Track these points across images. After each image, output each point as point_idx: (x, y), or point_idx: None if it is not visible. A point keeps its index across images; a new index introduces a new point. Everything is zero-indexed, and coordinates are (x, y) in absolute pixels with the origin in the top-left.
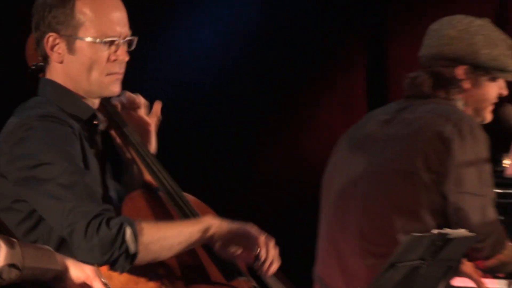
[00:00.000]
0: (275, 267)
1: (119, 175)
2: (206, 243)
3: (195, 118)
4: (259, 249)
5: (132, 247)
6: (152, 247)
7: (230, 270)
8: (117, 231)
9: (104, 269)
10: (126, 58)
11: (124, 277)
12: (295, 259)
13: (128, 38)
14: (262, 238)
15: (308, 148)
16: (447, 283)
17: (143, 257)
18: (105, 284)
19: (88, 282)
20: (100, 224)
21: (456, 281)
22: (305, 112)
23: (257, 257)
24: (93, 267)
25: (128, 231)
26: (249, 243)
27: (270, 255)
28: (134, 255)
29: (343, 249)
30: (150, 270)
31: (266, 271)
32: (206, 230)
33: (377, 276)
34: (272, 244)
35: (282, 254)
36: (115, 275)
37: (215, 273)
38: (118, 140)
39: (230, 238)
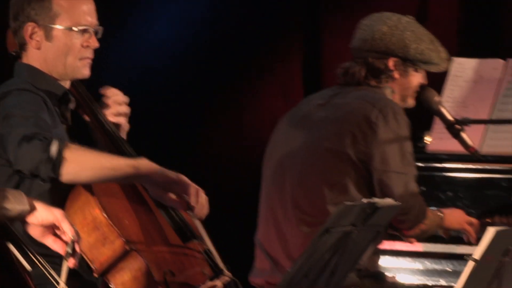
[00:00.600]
0: (204, 213)
1: None
2: (138, 182)
3: (148, 102)
4: (190, 196)
5: (53, 151)
6: (75, 164)
7: (186, 233)
8: (46, 144)
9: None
10: (97, 45)
11: (92, 237)
12: (239, 227)
13: (96, 28)
14: (193, 186)
15: (250, 129)
16: (375, 246)
17: (68, 171)
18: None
19: (57, 223)
20: (32, 138)
21: (388, 244)
22: (248, 97)
23: (188, 203)
24: (62, 210)
25: (55, 142)
26: (182, 190)
27: (200, 202)
28: (55, 163)
29: (280, 218)
30: (115, 232)
31: (201, 214)
32: (136, 167)
33: (314, 240)
34: (201, 193)
35: (228, 224)
36: (84, 237)
37: (173, 236)
38: (87, 118)
39: (165, 183)
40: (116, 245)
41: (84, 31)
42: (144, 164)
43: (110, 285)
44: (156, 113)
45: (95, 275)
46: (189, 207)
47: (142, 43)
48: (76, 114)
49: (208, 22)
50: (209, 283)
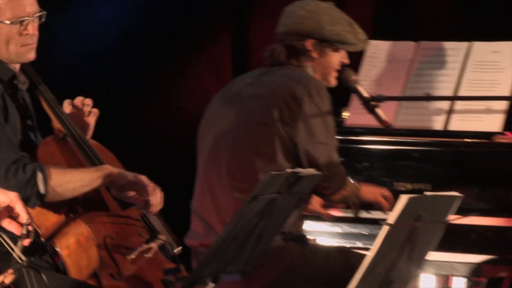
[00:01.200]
0: (159, 208)
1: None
2: (106, 186)
3: (91, 82)
4: (149, 195)
5: (42, 189)
6: (58, 189)
7: (124, 201)
8: (31, 175)
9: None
10: (36, 32)
11: (37, 209)
12: (176, 196)
13: (37, 14)
14: (151, 186)
15: (185, 106)
16: (299, 211)
17: (51, 197)
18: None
19: (12, 205)
20: (17, 169)
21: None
22: (182, 76)
23: (147, 201)
24: (16, 193)
25: (40, 176)
26: (141, 190)
27: (157, 200)
28: (44, 195)
29: (215, 186)
30: (59, 203)
31: (152, 211)
32: (106, 176)
33: (243, 206)
34: (158, 191)
35: (166, 192)
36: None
37: (112, 203)
38: (44, 104)
39: (126, 185)
40: (61, 212)
41: (22, 22)
42: (107, 172)
43: (55, 248)
44: (99, 92)
45: (42, 239)
46: (147, 205)
47: (85, 27)
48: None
49: (145, 8)
50: (145, 246)
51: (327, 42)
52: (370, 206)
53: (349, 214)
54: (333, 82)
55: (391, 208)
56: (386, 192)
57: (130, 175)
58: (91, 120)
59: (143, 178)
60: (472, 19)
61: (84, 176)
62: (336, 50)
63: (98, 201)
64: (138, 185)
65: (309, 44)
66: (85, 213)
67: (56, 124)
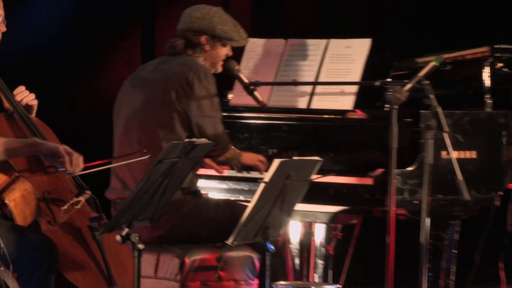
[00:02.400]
0: (80, 168)
1: None
2: (34, 154)
3: (32, 72)
4: (64, 161)
5: None
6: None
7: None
8: None
9: None
10: (4, 30)
11: None
12: (98, 159)
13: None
14: (71, 154)
15: (103, 90)
16: (194, 172)
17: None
18: None
19: None
20: None
21: (203, 171)
22: (100, 66)
23: (63, 165)
24: None
25: None
26: (58, 157)
27: (75, 163)
28: None
29: (129, 152)
30: (7, 163)
31: (73, 171)
32: (32, 145)
33: (151, 168)
34: (76, 156)
35: (89, 156)
36: None
37: (50, 166)
38: None
39: (51, 153)
40: (9, 173)
41: None
42: (36, 143)
43: (5, 201)
44: (37, 78)
45: None
46: (64, 168)
47: (26, 27)
48: None
49: (73, 12)
50: (75, 199)
51: (218, 39)
52: (250, 168)
53: (233, 174)
54: (219, 69)
55: (266, 170)
56: (262, 157)
57: (53, 145)
58: (33, 102)
59: (60, 149)
60: (329, 20)
61: (17, 145)
62: (224, 45)
63: (38, 164)
64: (55, 153)
65: (203, 39)
66: (29, 173)
67: (6, 104)
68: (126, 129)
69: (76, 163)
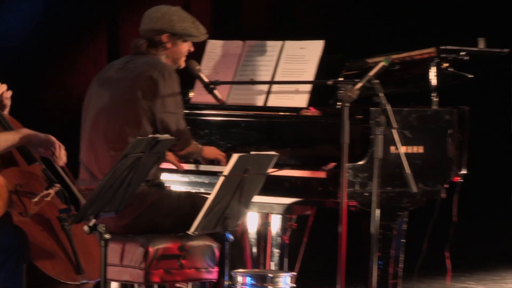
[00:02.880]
0: (64, 161)
1: None
2: (25, 144)
3: (8, 70)
4: (55, 150)
5: None
6: None
7: (29, 157)
8: None
9: None
10: None
11: None
12: (68, 151)
13: None
14: (57, 143)
15: (73, 87)
16: (158, 165)
17: None
18: None
19: None
20: None
21: (166, 165)
22: (70, 66)
23: (53, 154)
24: None
25: None
26: (50, 146)
27: (60, 154)
28: None
29: (96, 146)
30: None
31: (58, 162)
32: (24, 137)
33: (117, 162)
34: (62, 147)
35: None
36: None
37: (20, 159)
38: None
39: (39, 143)
40: None
41: None
42: (25, 133)
43: None
44: (8, 79)
45: None
46: (54, 157)
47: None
48: None
49: (41, 15)
50: (45, 192)
51: (178, 36)
52: (211, 162)
53: (194, 168)
54: (182, 64)
55: (225, 163)
56: (222, 152)
57: (41, 135)
58: (7, 101)
59: (53, 138)
60: (285, 23)
61: (8, 137)
62: (184, 41)
63: (10, 159)
64: (48, 142)
65: (164, 37)
66: (1, 168)
67: None
68: (94, 125)
69: (64, 154)
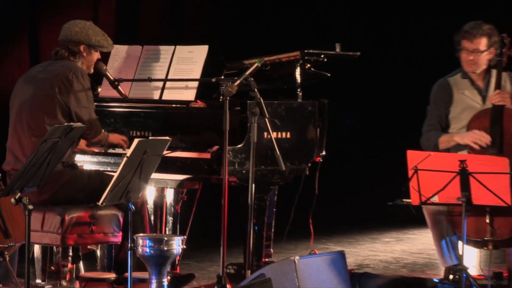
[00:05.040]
0: None
1: None
2: None
3: None
4: None
5: None
6: None
7: None
8: None
9: None
10: None
11: None
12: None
13: None
14: None
15: (2, 87)
16: (71, 149)
17: None
18: None
19: None
20: None
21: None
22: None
23: None
24: None
25: None
26: None
27: None
28: None
29: (20, 134)
30: None
31: None
32: None
33: (37, 146)
34: None
35: None
36: None
37: None
38: None
39: None
40: None
41: None
42: None
43: None
44: None
45: None
46: None
47: None
48: None
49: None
50: None
51: (92, 47)
52: (116, 145)
53: (102, 150)
54: (92, 70)
55: (128, 147)
56: (125, 137)
57: None
58: None
59: None
60: (176, 31)
61: None
62: (96, 51)
63: None
64: None
65: (82, 48)
66: None
67: None
68: (18, 116)
69: None
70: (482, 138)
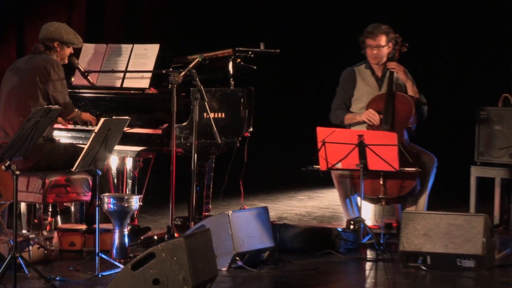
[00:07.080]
0: None
1: None
2: None
3: None
4: None
5: None
6: None
7: None
8: None
9: None
10: None
11: None
12: None
13: None
14: None
15: None
16: (50, 126)
17: None
18: None
19: None
20: None
21: (57, 125)
22: None
23: None
24: None
25: None
26: None
27: None
28: None
29: (9, 114)
30: None
31: None
32: None
33: (23, 124)
34: None
35: None
36: None
37: None
38: None
39: None
40: None
41: None
42: None
43: None
44: None
45: None
46: None
47: None
48: None
49: None
50: None
51: (65, 43)
52: (87, 123)
53: (76, 127)
54: (66, 61)
55: (96, 124)
56: (93, 117)
57: None
58: None
59: None
60: (134, 32)
61: None
62: (68, 47)
63: None
64: None
65: (56, 44)
66: None
67: None
68: (7, 100)
69: None
70: (374, 116)
